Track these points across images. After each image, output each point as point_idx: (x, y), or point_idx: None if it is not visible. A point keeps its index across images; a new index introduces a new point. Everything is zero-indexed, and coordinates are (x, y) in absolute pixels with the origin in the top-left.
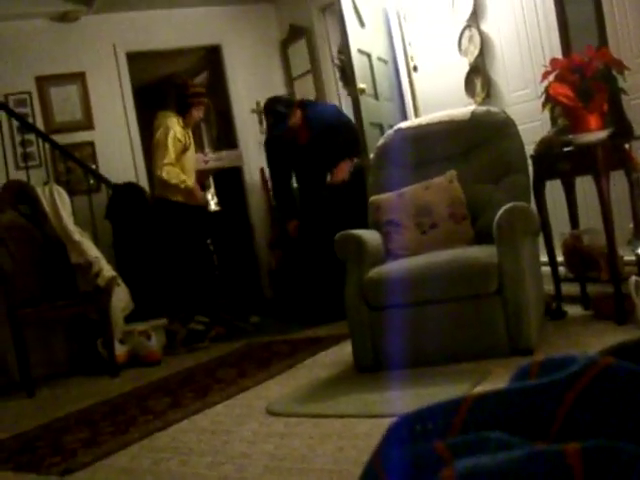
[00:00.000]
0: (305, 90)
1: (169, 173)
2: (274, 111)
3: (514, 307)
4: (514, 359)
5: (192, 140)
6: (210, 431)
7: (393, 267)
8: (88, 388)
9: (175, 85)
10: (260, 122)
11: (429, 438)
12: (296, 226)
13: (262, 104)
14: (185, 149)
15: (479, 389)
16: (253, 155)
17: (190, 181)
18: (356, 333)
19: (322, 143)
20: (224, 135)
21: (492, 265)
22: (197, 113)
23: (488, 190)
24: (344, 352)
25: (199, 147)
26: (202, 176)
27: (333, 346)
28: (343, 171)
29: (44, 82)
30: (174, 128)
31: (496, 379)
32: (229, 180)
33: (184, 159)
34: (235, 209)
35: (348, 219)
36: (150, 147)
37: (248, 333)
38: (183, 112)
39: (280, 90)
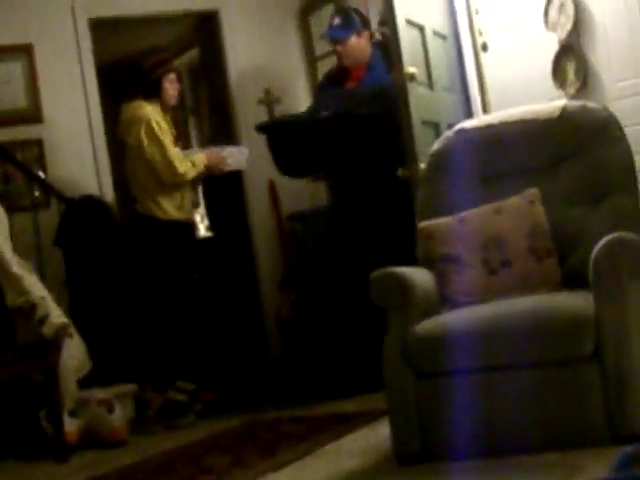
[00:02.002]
0: None
1: (186, 167)
2: (345, 12)
3: (616, 377)
4: (615, 449)
5: (176, 133)
6: None
7: (451, 319)
8: (27, 476)
9: (134, 72)
10: (269, 112)
11: None
12: None
13: (272, 92)
14: (174, 142)
15: None
16: (259, 161)
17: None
18: (397, 409)
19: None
20: (220, 133)
21: (586, 319)
22: (171, 86)
23: (582, 215)
24: (380, 435)
25: (185, 145)
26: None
27: (365, 427)
28: None
29: None
30: (153, 117)
31: (589, 477)
32: (224, 194)
33: None
34: (232, 235)
35: (388, 248)
36: (121, 151)
37: (248, 406)
38: (154, 93)
39: (297, 74)
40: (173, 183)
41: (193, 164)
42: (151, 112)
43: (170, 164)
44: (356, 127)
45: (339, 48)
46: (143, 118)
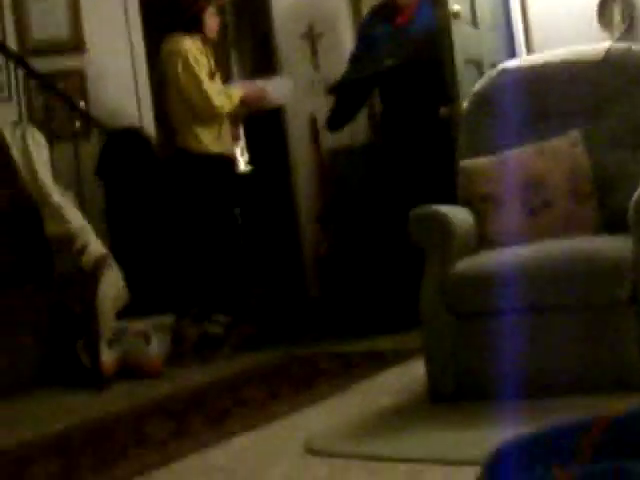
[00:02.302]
0: None
1: (222, 100)
2: None
3: None
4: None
5: (216, 65)
6: (226, 471)
7: (489, 259)
8: (63, 404)
9: (176, 4)
10: (312, 49)
11: (549, 462)
12: None
13: (315, 27)
14: (211, 76)
15: None
16: (301, 96)
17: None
18: (433, 348)
19: (424, 44)
20: (262, 67)
21: (623, 263)
22: (211, 20)
23: (624, 159)
24: (414, 373)
25: (226, 78)
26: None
27: (400, 364)
28: None
29: None
30: (191, 51)
31: None
32: (264, 128)
33: None
34: (272, 169)
35: (428, 186)
36: (161, 85)
37: (284, 341)
38: (194, 26)
39: (341, 9)
40: (209, 116)
41: (229, 97)
42: (190, 45)
43: (205, 97)
44: (418, 72)
45: None
46: (181, 51)
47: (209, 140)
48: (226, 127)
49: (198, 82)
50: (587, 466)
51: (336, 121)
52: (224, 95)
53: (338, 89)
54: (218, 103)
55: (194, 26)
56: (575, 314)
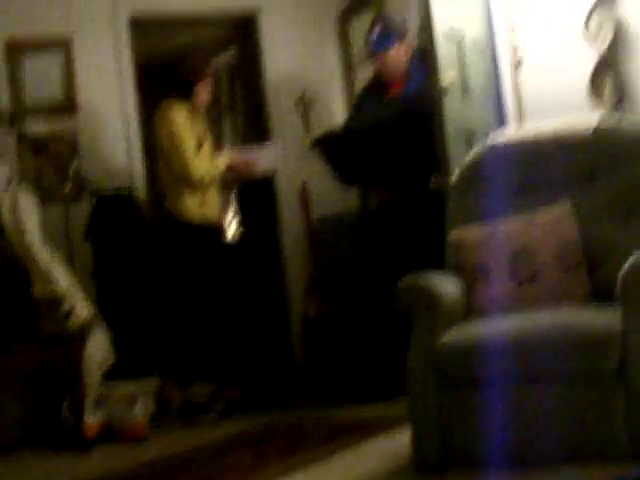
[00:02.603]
0: None
1: (202, 172)
2: (384, 23)
3: (638, 394)
4: (633, 467)
5: (206, 132)
6: None
7: (477, 330)
8: (46, 466)
9: (172, 68)
10: (304, 117)
11: None
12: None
13: (308, 96)
14: (198, 145)
15: None
16: (292, 163)
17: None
18: (418, 416)
19: (413, 113)
20: (254, 134)
21: (611, 334)
22: (205, 91)
23: (614, 230)
24: (400, 441)
25: (218, 144)
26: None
27: (385, 432)
28: None
29: (16, 50)
30: (177, 120)
31: None
32: (255, 194)
33: None
34: (262, 235)
35: (417, 255)
36: (154, 150)
37: (269, 407)
38: (186, 95)
39: (333, 79)
40: (189, 185)
41: (212, 166)
42: (177, 114)
43: (186, 167)
44: (408, 139)
45: (378, 61)
46: (168, 119)
47: (193, 207)
48: (212, 195)
49: (181, 151)
50: None
51: (343, 174)
52: (208, 164)
53: (321, 143)
54: (197, 173)
55: (186, 95)
56: (562, 384)
